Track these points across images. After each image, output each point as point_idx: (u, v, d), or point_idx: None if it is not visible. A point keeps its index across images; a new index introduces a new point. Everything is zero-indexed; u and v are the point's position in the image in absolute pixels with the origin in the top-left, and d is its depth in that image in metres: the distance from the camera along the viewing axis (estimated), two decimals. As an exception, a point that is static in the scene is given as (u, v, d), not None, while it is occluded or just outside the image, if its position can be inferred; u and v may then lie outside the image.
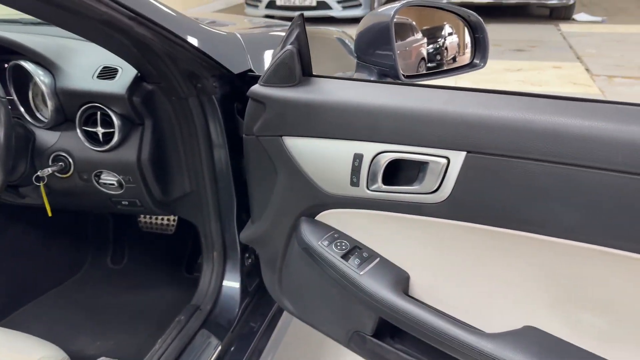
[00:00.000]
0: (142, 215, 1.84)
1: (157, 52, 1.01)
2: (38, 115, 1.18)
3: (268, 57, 1.41)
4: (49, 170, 1.12)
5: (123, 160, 1.13)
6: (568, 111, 0.69)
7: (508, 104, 0.73)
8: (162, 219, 1.82)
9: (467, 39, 1.22)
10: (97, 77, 1.12)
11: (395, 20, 1.04)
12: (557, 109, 0.70)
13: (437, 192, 0.80)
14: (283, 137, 0.98)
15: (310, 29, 1.03)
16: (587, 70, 5.10)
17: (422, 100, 0.82)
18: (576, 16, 7.94)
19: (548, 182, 0.67)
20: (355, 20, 7.72)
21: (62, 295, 1.68)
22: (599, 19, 7.82)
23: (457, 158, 0.76)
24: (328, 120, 0.90)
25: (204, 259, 1.38)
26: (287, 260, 1.12)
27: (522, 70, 5.13)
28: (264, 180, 1.07)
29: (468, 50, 1.17)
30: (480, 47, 1.19)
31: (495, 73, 4.89)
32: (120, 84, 1.10)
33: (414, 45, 1.27)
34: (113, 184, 1.17)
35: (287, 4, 7.75)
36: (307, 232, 1.01)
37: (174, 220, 1.82)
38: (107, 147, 1.11)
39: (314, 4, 7.74)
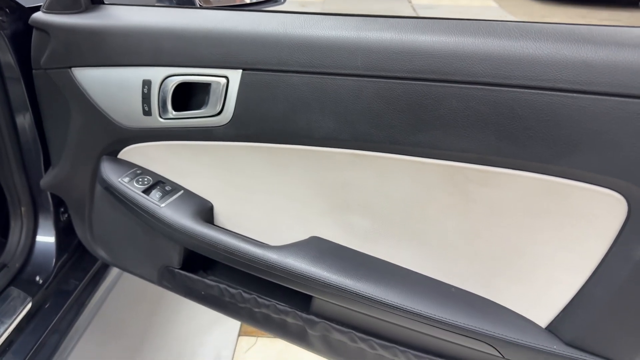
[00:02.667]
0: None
1: None
2: None
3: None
4: None
5: None
6: (319, 24, 0.74)
7: (272, 21, 0.77)
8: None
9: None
10: None
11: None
12: (310, 23, 0.74)
13: (221, 113, 0.82)
14: (72, 69, 0.92)
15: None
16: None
17: (202, 20, 0.82)
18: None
19: (307, 92, 0.72)
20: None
21: None
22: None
23: (235, 76, 0.78)
24: (114, 46, 0.87)
25: (11, 215, 1.27)
26: (94, 205, 1.07)
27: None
28: (59, 118, 1.01)
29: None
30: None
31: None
32: None
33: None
34: None
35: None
36: (108, 171, 0.98)
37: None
38: None
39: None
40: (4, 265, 1.21)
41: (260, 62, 0.75)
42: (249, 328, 1.65)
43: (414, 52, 0.67)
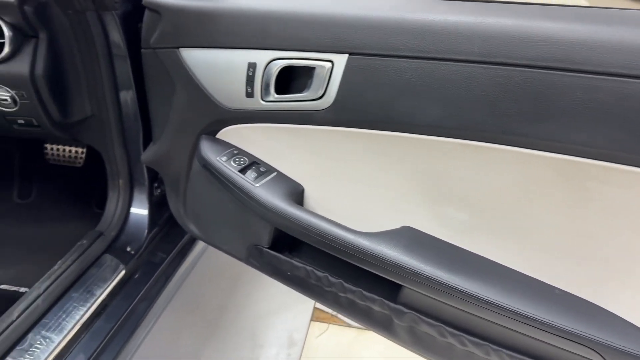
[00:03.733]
0: (49, 147, 1.76)
1: None
2: None
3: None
4: None
5: (15, 73, 1.07)
6: (433, 8, 0.72)
7: (383, 4, 0.76)
8: (70, 151, 1.75)
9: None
10: None
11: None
12: (424, 7, 0.73)
13: (323, 97, 0.82)
14: (180, 49, 0.96)
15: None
16: None
17: (309, 3, 0.83)
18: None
19: (416, 77, 0.71)
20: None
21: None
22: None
23: (340, 61, 0.78)
24: (222, 28, 0.90)
25: (110, 187, 1.35)
26: (189, 181, 1.12)
27: None
28: (164, 97, 1.06)
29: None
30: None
31: None
32: None
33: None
34: (6, 100, 1.11)
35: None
36: (207, 149, 1.02)
37: (82, 152, 1.76)
38: (-3, 58, 1.05)
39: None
40: (101, 234, 1.29)
41: (368, 46, 0.74)
42: (322, 314, 1.67)
43: (539, 39, 0.64)
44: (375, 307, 0.87)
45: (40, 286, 1.07)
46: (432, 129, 0.73)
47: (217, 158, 1.00)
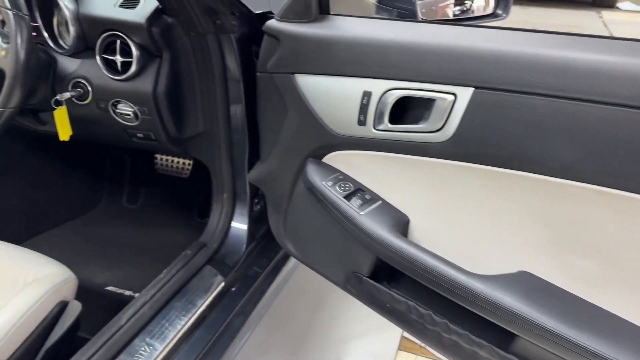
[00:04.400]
0: (158, 157, 1.87)
1: None
2: (60, 42, 1.20)
3: None
4: (68, 94, 1.15)
5: (139, 91, 1.15)
6: (575, 46, 0.67)
7: (515, 40, 0.72)
8: (178, 162, 1.85)
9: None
10: (119, 5, 1.13)
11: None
12: (564, 44, 0.68)
13: (442, 130, 0.79)
14: (295, 75, 0.98)
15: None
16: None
17: (431, 35, 0.81)
18: (620, 4, 7.64)
19: (551, 117, 0.66)
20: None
21: (77, 228, 1.73)
22: (644, 8, 7.51)
23: (465, 94, 0.75)
24: (339, 56, 0.90)
25: (214, 199, 1.40)
26: (292, 201, 1.13)
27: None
28: (275, 119, 1.08)
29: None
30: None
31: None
32: (140, 14, 1.11)
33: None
34: (129, 115, 1.19)
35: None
36: (313, 173, 1.02)
37: (189, 164, 1.85)
38: (124, 76, 1.13)
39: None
40: (204, 245, 1.34)
41: (498, 81, 0.71)
42: (410, 343, 1.62)
43: None
44: (483, 354, 0.82)
45: (147, 293, 1.13)
46: (565, 172, 0.68)
47: (323, 182, 1.00)
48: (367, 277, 0.99)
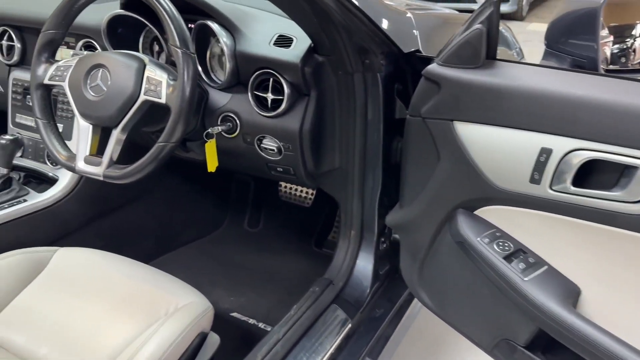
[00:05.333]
0: (283, 185, 1.90)
1: (336, 23, 1.01)
2: (212, 75, 1.24)
3: (436, 39, 1.37)
4: (219, 128, 1.18)
5: (286, 128, 1.16)
6: None
7: None
8: (302, 191, 1.86)
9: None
10: (274, 44, 1.15)
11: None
12: None
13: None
14: (454, 122, 0.93)
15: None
16: None
17: (635, 95, 0.72)
18: None
19: None
20: (500, 16, 7.27)
21: (203, 248, 1.79)
22: None
23: None
24: (512, 107, 0.84)
25: (341, 235, 1.38)
26: (433, 251, 1.07)
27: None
28: (423, 165, 1.04)
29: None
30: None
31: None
32: (294, 53, 1.12)
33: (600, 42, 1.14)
34: (273, 150, 1.20)
35: (429, -7, 7.52)
36: (465, 226, 0.96)
37: (312, 194, 1.86)
38: (274, 113, 1.15)
39: (457, -5, 7.43)
40: (330, 282, 1.32)
41: None
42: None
43: None
44: None
45: (279, 330, 1.12)
46: None
47: (478, 239, 0.93)
48: (522, 346, 0.91)
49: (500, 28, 1.76)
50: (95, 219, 1.47)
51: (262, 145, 1.21)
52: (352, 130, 1.21)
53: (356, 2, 0.97)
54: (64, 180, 1.37)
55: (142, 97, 1.01)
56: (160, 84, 1.00)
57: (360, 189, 1.30)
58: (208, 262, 1.72)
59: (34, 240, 1.32)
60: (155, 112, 1.05)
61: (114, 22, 1.26)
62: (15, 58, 1.51)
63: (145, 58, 1.04)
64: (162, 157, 1.02)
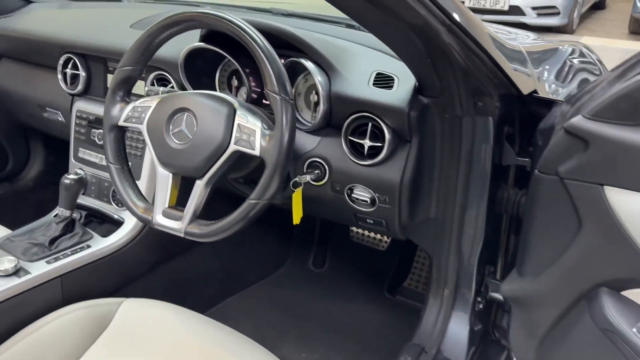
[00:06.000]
0: (354, 229, 1.76)
1: (454, 63, 0.87)
2: (298, 116, 1.12)
3: (551, 77, 1.22)
4: (308, 177, 1.05)
5: (384, 178, 1.02)
6: None
7: None
8: (377, 235, 1.72)
9: None
10: (373, 84, 1.02)
11: None
12: None
13: None
14: (605, 187, 0.78)
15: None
16: None
17: None
18: None
19: None
20: (549, 29, 7.01)
21: (265, 290, 1.67)
22: None
23: None
24: None
25: (432, 293, 1.24)
26: (561, 331, 0.92)
27: None
28: (555, 231, 0.88)
29: None
30: None
31: None
32: (398, 96, 0.98)
33: None
34: (365, 201, 1.07)
35: (476, 5, 7.32)
36: (614, 311, 0.80)
37: (388, 237, 1.71)
38: (371, 161, 1.01)
39: (506, 8, 7.20)
40: (422, 350, 1.17)
41: None
42: None
43: None
44: None
45: None
46: None
47: (635, 329, 0.77)
48: None
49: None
50: (159, 264, 1.36)
51: (352, 195, 1.08)
52: (453, 178, 1.07)
53: (481, 42, 0.83)
54: (130, 223, 1.27)
55: (233, 147, 0.89)
56: (253, 133, 0.88)
57: (458, 242, 1.15)
58: (273, 309, 1.59)
59: (97, 289, 1.22)
60: (242, 159, 0.93)
61: (192, 55, 1.15)
62: (80, 87, 1.42)
63: (235, 102, 0.92)
64: (252, 215, 0.90)
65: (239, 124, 0.89)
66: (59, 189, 1.18)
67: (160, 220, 0.95)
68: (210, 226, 0.92)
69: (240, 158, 0.92)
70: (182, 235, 0.94)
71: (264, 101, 1.19)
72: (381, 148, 1.00)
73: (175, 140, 0.92)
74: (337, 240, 1.77)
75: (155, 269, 1.35)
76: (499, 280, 1.22)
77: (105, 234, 1.28)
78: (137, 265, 1.30)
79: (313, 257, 1.78)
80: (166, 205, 0.95)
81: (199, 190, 0.92)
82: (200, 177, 0.92)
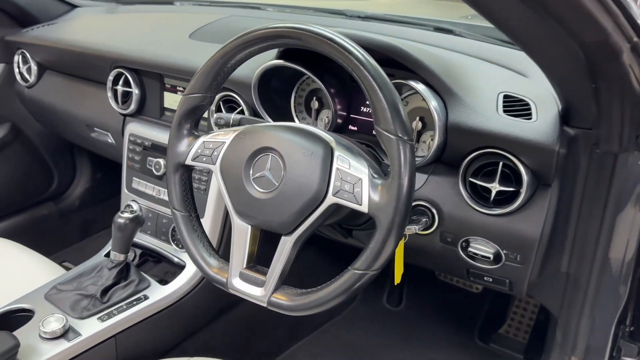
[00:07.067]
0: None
1: (625, 89, 0.65)
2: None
3: None
4: (414, 228, 0.84)
5: (519, 232, 0.80)
6: None
7: None
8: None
9: None
10: (504, 111, 0.80)
11: None
12: None
13: None
14: None
15: None
16: None
17: None
18: None
19: None
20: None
21: (334, 332, 1.47)
22: None
23: None
24: None
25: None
26: None
27: None
28: None
29: None
30: None
31: None
32: (542, 128, 0.77)
33: None
34: (487, 257, 0.85)
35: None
36: None
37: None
38: (499, 210, 0.80)
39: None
40: None
41: None
42: None
43: None
44: None
45: None
46: None
47: None
48: None
49: None
50: (224, 311, 1.18)
51: (469, 249, 0.86)
52: (596, 227, 0.85)
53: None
54: (192, 267, 1.09)
55: (331, 199, 0.69)
56: (358, 183, 0.68)
57: (593, 302, 0.93)
58: (344, 355, 1.39)
59: (155, 346, 1.05)
60: (340, 208, 0.73)
61: (267, 74, 0.96)
62: (132, 107, 1.25)
63: (332, 140, 0.72)
64: (357, 287, 0.70)
65: (337, 169, 0.69)
66: (105, 209, 1.01)
67: (238, 285, 0.77)
68: (303, 297, 0.73)
69: (339, 208, 0.72)
70: (264, 305, 0.75)
71: (350, 127, 1.00)
72: (515, 194, 0.79)
73: (256, 187, 0.73)
74: (417, 278, 1.55)
75: (219, 317, 1.17)
76: (635, 343, 1.00)
77: (162, 278, 1.11)
78: (200, 315, 1.12)
79: (387, 293, 1.57)
80: (244, 265, 0.77)
81: (285, 249, 0.73)
82: (288, 233, 0.72)
